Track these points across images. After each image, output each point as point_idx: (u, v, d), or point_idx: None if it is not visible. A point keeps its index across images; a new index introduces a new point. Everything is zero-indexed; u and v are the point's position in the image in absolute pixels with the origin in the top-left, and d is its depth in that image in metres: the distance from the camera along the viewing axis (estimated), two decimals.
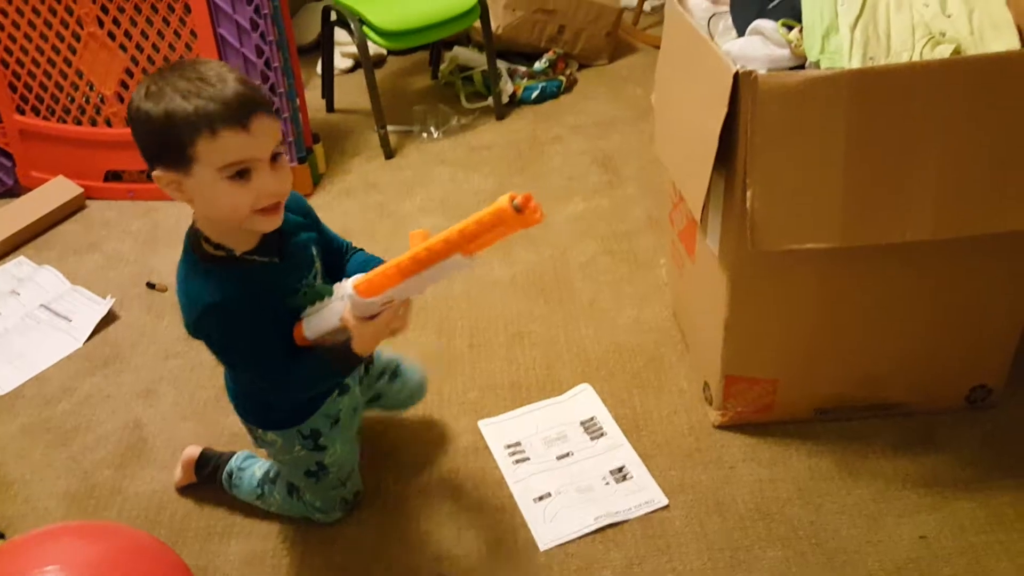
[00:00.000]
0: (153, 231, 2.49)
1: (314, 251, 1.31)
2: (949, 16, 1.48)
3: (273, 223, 1.15)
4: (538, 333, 1.97)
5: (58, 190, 2.59)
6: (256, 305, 1.17)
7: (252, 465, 1.57)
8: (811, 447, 1.60)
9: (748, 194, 1.30)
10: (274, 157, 1.10)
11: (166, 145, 1.06)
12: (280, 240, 1.23)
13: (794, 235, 1.32)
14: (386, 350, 1.61)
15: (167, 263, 2.28)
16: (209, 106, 1.03)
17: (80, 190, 2.60)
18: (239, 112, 1.04)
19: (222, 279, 1.17)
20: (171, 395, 1.88)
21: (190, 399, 1.86)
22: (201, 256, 1.18)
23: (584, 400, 1.76)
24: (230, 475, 1.57)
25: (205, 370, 1.92)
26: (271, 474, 1.54)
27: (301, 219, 1.30)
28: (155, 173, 1.10)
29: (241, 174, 1.08)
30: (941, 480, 1.52)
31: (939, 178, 1.28)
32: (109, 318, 2.12)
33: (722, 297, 1.49)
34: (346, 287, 1.14)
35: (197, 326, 1.17)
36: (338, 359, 1.22)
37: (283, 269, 1.24)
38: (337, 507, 1.51)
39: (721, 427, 1.66)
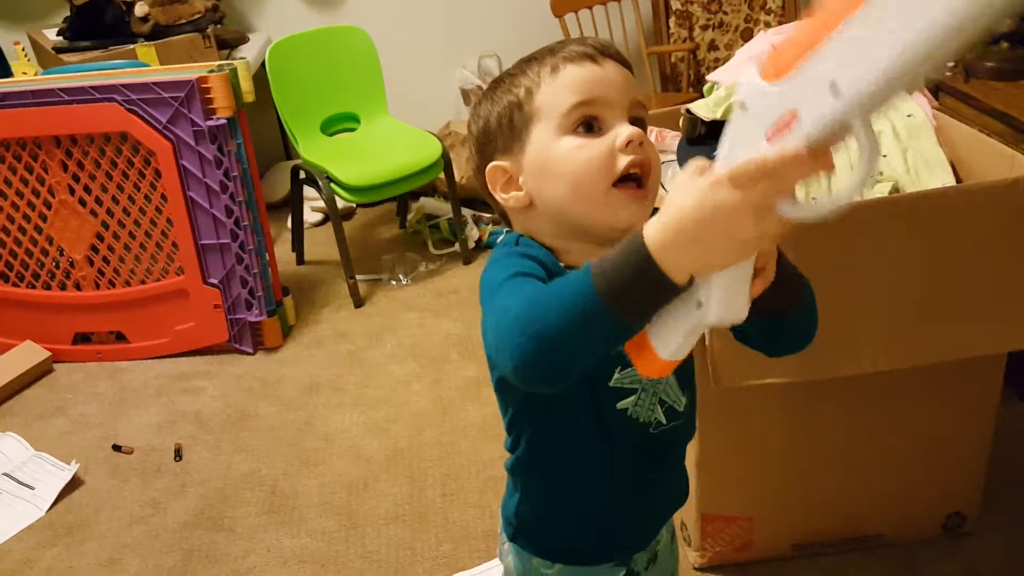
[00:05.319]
0: (120, 392, 2.46)
1: None
2: (884, 156, 1.56)
3: (638, 209, 0.79)
4: None
5: (25, 355, 2.57)
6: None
7: None
8: None
9: (706, 332, 1.33)
10: (635, 121, 0.82)
11: (501, 120, 0.85)
12: None
13: (753, 371, 1.34)
14: None
15: (133, 425, 2.25)
16: (552, 54, 0.84)
17: (47, 354, 2.58)
18: (591, 50, 0.83)
19: (541, 248, 0.84)
20: (135, 564, 1.81)
21: (154, 567, 1.79)
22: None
23: None
24: None
25: (170, 535, 1.87)
26: None
27: None
28: (489, 169, 0.86)
29: (588, 127, 0.81)
30: None
31: (890, 311, 1.32)
32: (73, 484, 2.07)
33: None
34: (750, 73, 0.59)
35: (493, 253, 0.85)
36: (618, 269, 0.63)
37: None
38: None
39: (701, 568, 1.62)
